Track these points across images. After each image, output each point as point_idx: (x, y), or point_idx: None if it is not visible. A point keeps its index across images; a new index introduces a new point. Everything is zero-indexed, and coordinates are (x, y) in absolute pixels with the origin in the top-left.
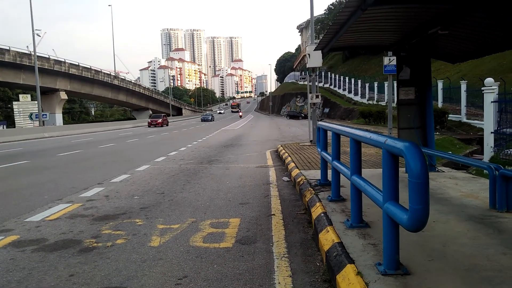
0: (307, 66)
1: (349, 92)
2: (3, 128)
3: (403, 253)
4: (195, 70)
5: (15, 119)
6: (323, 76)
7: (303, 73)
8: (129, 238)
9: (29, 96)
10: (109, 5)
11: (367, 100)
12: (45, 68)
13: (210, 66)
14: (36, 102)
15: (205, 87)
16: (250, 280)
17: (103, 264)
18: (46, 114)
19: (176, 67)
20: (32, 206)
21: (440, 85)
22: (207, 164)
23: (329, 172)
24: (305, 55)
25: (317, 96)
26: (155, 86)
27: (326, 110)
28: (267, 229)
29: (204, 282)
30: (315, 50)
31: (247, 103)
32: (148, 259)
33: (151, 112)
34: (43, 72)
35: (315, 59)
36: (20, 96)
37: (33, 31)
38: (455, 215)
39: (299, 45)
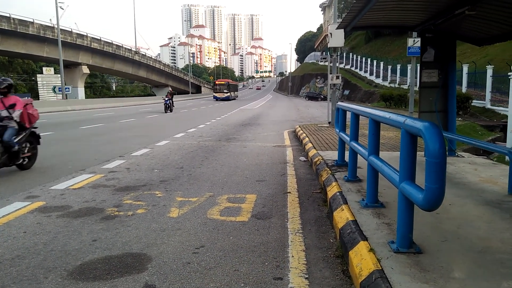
0: (329, 45)
1: (371, 74)
2: None
3: (417, 233)
4: (214, 48)
5: (39, 92)
6: (344, 57)
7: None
8: (149, 208)
9: (52, 69)
10: None
11: (389, 83)
12: (67, 41)
13: (230, 44)
14: (59, 75)
15: (224, 65)
16: (264, 253)
17: (124, 232)
18: (68, 88)
19: (196, 44)
20: (57, 175)
21: (465, 69)
22: (225, 141)
23: (346, 153)
24: (327, 34)
25: (337, 77)
26: (174, 63)
27: (346, 92)
28: (283, 206)
29: (220, 252)
30: (337, 28)
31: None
32: (167, 229)
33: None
34: (66, 46)
35: (337, 39)
36: (44, 69)
37: (56, 3)
38: (472, 199)
39: (321, 25)
